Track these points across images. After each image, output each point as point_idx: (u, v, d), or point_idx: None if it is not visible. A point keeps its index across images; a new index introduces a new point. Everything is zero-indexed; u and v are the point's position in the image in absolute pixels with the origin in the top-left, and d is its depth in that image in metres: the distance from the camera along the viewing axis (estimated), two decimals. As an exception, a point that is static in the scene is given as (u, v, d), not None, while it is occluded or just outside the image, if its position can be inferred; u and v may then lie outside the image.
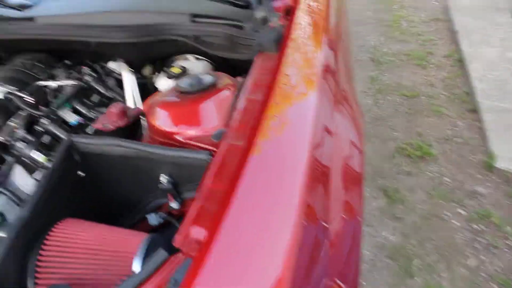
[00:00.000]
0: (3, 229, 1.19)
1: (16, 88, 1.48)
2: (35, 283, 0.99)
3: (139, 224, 1.24)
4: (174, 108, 1.23)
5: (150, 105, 1.29)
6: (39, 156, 1.33)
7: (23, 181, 1.35)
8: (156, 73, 1.66)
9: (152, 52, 1.64)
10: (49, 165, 1.30)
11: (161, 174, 1.13)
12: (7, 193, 1.30)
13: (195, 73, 1.39)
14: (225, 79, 1.31)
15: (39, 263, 1.00)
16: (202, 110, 1.21)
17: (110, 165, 1.16)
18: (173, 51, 1.63)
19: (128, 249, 0.99)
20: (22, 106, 1.42)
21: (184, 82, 1.27)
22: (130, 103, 1.53)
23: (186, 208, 1.16)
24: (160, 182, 1.13)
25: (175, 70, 1.51)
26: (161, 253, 0.87)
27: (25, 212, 1.02)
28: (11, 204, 1.31)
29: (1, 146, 1.38)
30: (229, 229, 0.92)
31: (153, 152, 1.10)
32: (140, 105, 1.53)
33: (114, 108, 1.31)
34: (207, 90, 1.25)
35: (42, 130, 1.40)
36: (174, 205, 1.14)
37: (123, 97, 1.59)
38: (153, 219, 1.17)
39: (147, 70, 1.68)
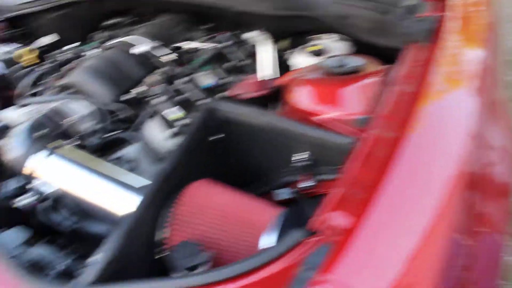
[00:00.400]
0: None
1: (158, 44, 1.53)
2: (166, 235, 1.02)
3: (262, 197, 1.23)
4: (316, 87, 1.19)
5: (290, 81, 1.26)
6: (175, 113, 1.36)
7: (157, 135, 1.40)
8: (291, 49, 1.64)
9: (290, 27, 1.61)
10: (185, 122, 1.34)
11: (299, 152, 1.11)
12: (141, 143, 1.36)
13: (342, 54, 1.34)
14: (372, 64, 1.25)
15: (172, 217, 1.02)
16: (346, 93, 1.17)
17: (247, 134, 1.16)
18: (312, 28, 1.59)
19: (261, 220, 0.98)
20: (163, 62, 1.47)
21: (330, 62, 1.22)
22: (263, 75, 1.51)
23: (318, 190, 1.13)
24: (297, 160, 1.11)
25: (314, 48, 1.47)
26: (297, 233, 0.85)
27: (167, 165, 1.05)
28: (143, 153, 1.37)
29: (140, 98, 1.43)
30: (374, 219, 0.88)
31: (295, 129, 1.07)
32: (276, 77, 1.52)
33: (252, 78, 1.31)
34: (353, 74, 1.20)
35: (179, 88, 1.44)
36: (306, 185, 1.12)
37: (255, 67, 1.58)
38: (282, 194, 1.15)
39: (282, 45, 1.66)
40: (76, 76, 1.49)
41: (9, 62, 1.74)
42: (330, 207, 0.89)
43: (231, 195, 1.06)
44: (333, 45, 1.53)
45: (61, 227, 1.21)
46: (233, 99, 1.32)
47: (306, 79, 1.23)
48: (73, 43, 1.77)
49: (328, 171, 1.10)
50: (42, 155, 1.23)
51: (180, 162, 1.07)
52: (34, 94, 1.59)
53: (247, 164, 1.20)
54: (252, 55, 1.65)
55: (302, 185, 1.13)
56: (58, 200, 1.21)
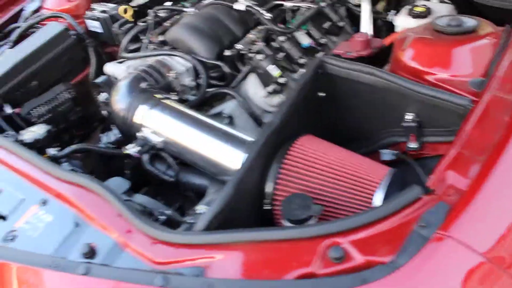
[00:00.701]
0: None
1: (256, 3, 1.53)
2: (275, 188, 1.04)
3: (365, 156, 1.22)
4: (429, 47, 1.16)
5: (400, 40, 1.23)
6: (274, 71, 1.37)
7: (255, 91, 1.42)
8: (390, 11, 1.59)
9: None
10: (283, 80, 1.34)
11: (405, 112, 1.09)
12: (239, 99, 1.39)
13: (456, 15, 1.28)
14: (487, 26, 1.19)
15: (281, 170, 1.04)
16: (460, 54, 1.13)
17: (355, 91, 1.15)
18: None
19: (370, 178, 0.99)
20: (262, 20, 1.47)
21: (443, 21, 1.18)
22: (367, 34, 1.48)
23: (424, 152, 1.11)
24: (405, 120, 1.09)
25: (420, 9, 1.41)
26: (414, 190, 0.84)
27: (276, 119, 1.06)
28: (240, 110, 1.39)
29: (240, 55, 1.45)
30: (492, 181, 0.85)
31: (407, 87, 1.05)
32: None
33: (359, 37, 1.29)
34: (466, 34, 1.15)
35: (278, 46, 1.44)
36: (413, 145, 1.10)
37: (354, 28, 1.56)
38: (387, 155, 1.14)
39: (380, 6, 1.62)
40: (177, 32, 1.52)
41: (108, 20, 1.80)
42: (448, 167, 0.88)
43: (339, 151, 1.06)
44: (437, 6, 1.47)
45: (165, 176, 1.27)
46: (340, 57, 1.30)
47: (419, 38, 1.19)
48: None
49: (437, 133, 1.08)
50: (147, 107, 1.28)
51: (288, 117, 1.08)
52: (135, 50, 1.65)
53: (351, 122, 1.19)
54: (351, 15, 1.63)
55: (409, 146, 1.11)
56: (163, 150, 1.27)
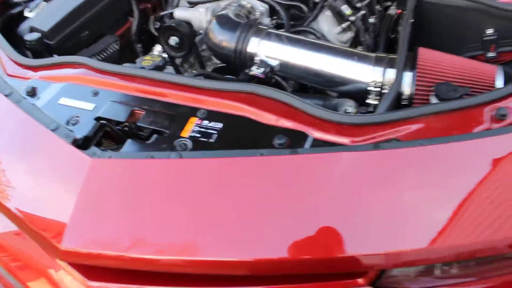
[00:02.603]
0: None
1: None
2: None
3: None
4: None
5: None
6: (347, 9, 1.57)
7: (329, 29, 1.60)
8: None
9: None
10: (354, 18, 1.54)
11: (488, 28, 1.38)
12: (319, 35, 1.56)
13: None
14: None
15: (420, 72, 1.24)
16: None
17: (442, 14, 1.40)
18: None
19: (487, 71, 1.24)
20: None
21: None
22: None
23: (500, 59, 1.40)
24: (486, 34, 1.38)
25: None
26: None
27: (405, 35, 1.28)
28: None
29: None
30: None
31: (494, 6, 1.33)
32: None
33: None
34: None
35: None
36: (492, 54, 1.39)
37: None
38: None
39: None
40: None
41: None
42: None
43: (447, 54, 1.30)
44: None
45: None
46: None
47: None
48: None
49: (510, 43, 1.38)
50: (258, 38, 1.40)
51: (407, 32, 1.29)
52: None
53: (435, 42, 1.44)
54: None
55: (488, 55, 1.40)
56: (278, 72, 1.40)
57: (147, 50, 1.85)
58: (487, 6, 1.34)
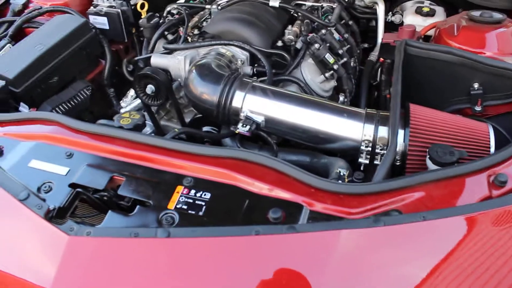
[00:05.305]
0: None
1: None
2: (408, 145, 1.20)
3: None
4: (476, 32, 1.46)
5: (445, 29, 1.52)
6: (330, 58, 1.54)
7: (312, 77, 1.56)
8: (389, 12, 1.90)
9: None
10: (336, 67, 1.52)
11: (474, 82, 1.37)
12: (302, 84, 1.52)
13: (482, 10, 1.60)
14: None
15: (412, 131, 1.20)
16: (498, 37, 1.46)
17: (428, 68, 1.39)
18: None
19: (480, 129, 1.22)
20: (306, 15, 1.65)
21: (478, 13, 1.51)
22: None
23: (487, 113, 1.39)
24: (472, 88, 1.37)
25: (426, 9, 1.74)
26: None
27: (396, 91, 1.24)
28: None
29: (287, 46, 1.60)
30: None
31: (479, 61, 1.32)
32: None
33: (408, 28, 1.54)
34: (497, 23, 1.49)
35: (324, 38, 1.60)
36: (479, 108, 1.38)
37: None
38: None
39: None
40: (225, 24, 1.58)
41: (118, 16, 1.75)
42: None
43: (437, 111, 1.28)
44: (434, 8, 1.83)
45: None
46: (389, 45, 1.53)
47: (467, 26, 1.49)
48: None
49: (497, 97, 1.37)
50: (242, 92, 1.34)
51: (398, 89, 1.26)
52: (171, 42, 1.65)
53: (418, 97, 1.42)
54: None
55: (475, 109, 1.39)
56: (263, 129, 1.34)
57: (120, 93, 1.76)
58: (472, 61, 1.33)
